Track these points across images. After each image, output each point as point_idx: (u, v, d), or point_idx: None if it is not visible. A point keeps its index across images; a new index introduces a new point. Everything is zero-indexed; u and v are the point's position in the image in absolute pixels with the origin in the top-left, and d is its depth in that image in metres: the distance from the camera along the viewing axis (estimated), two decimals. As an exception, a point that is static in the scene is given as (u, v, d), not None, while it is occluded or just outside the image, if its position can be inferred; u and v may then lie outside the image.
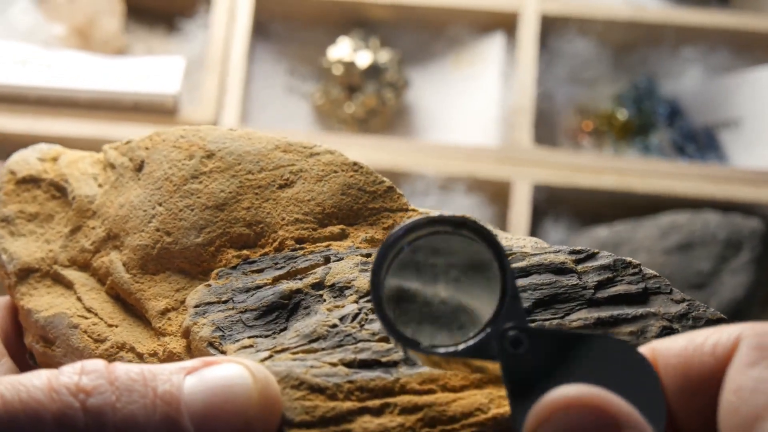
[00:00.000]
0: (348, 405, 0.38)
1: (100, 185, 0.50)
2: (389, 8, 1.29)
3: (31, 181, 0.51)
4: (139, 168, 0.49)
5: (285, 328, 0.43)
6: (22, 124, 1.12)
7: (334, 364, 0.40)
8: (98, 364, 0.37)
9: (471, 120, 1.24)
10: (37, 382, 0.35)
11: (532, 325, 0.39)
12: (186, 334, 0.44)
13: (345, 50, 1.25)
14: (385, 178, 0.48)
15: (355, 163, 0.48)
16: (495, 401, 0.39)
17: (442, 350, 0.36)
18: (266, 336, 0.43)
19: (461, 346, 0.36)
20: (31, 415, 0.34)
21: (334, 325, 0.42)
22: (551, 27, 1.27)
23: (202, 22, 1.26)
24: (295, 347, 0.41)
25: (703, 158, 1.23)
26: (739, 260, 1.05)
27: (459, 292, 0.40)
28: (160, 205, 0.47)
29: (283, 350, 0.41)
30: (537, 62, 1.23)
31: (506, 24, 1.28)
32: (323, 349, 0.41)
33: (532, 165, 1.14)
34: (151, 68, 1.17)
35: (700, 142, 1.25)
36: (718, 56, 1.28)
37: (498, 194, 1.13)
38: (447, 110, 1.26)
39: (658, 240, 1.07)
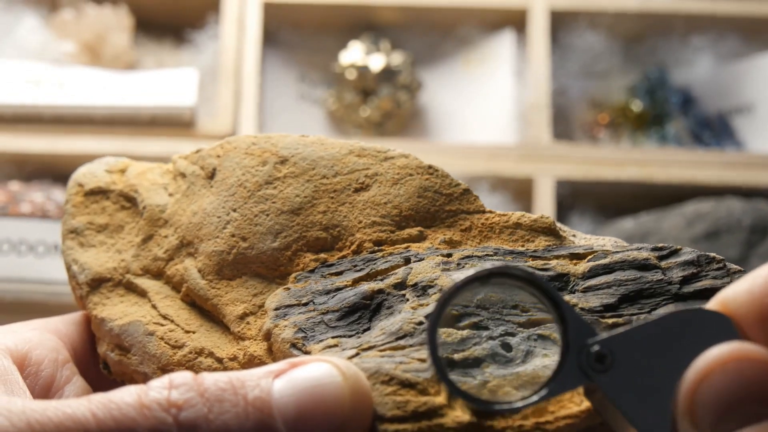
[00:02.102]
0: (440, 400, 0.38)
1: (170, 194, 0.51)
2: (397, 10, 1.29)
3: (99, 193, 0.52)
4: (211, 175, 0.50)
5: (368, 328, 0.43)
6: (41, 143, 1.11)
7: (423, 360, 0.39)
8: (186, 376, 0.36)
9: (487, 119, 1.24)
10: (128, 398, 0.35)
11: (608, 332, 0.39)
12: (267, 336, 0.44)
13: (357, 54, 1.24)
14: (460, 181, 0.48)
15: (430, 166, 0.48)
16: None
17: (533, 398, 0.36)
18: (350, 336, 0.42)
19: (546, 390, 0.36)
20: None
21: (420, 323, 0.41)
22: (561, 22, 1.27)
23: (212, 33, 1.25)
24: (382, 344, 0.41)
25: (720, 145, 1.23)
26: (766, 245, 1.05)
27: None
28: (234, 211, 0.47)
29: (369, 348, 0.41)
30: (549, 58, 1.22)
31: (515, 21, 1.28)
32: (411, 346, 0.40)
33: (553, 161, 1.14)
34: (166, 81, 1.17)
35: (715, 129, 1.25)
36: (727, 43, 1.28)
37: (521, 192, 1.14)
38: (462, 110, 1.26)
39: (684, 229, 1.07)
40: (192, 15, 1.27)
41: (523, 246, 0.45)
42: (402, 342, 0.41)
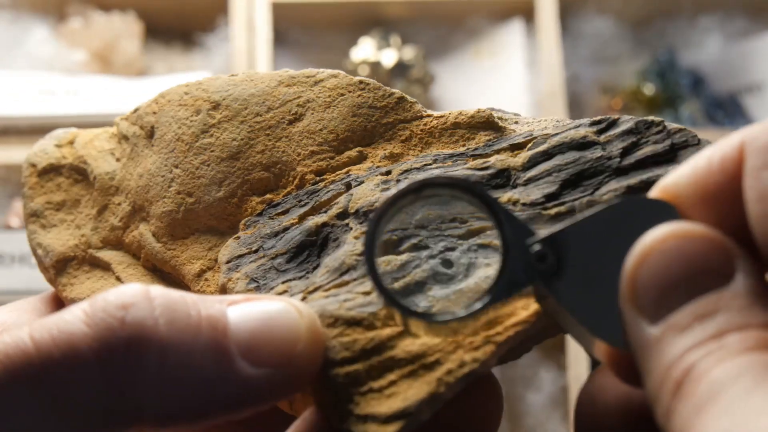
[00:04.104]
0: (387, 332, 0.36)
1: (117, 159, 0.49)
2: (405, 5, 1.28)
3: (52, 171, 0.50)
4: (151, 134, 0.48)
5: (318, 266, 0.41)
6: (60, 154, 1.10)
7: (367, 293, 0.37)
8: (135, 285, 0.33)
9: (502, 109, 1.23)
10: (68, 315, 0.32)
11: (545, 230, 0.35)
12: (223, 291, 0.42)
13: (368, 50, 1.24)
14: (394, 90, 0.45)
15: (361, 81, 0.45)
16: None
17: (477, 306, 0.33)
18: (300, 278, 0.40)
19: (489, 296, 0.33)
20: (66, 348, 0.31)
21: (363, 253, 0.38)
22: (569, 9, 1.27)
23: (223, 36, 1.24)
24: (327, 284, 0.39)
25: (733, 125, 1.23)
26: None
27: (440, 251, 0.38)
28: (176, 167, 0.46)
29: (315, 290, 0.39)
30: (561, 45, 1.22)
31: (523, 10, 1.27)
32: (354, 280, 0.38)
33: (572, 147, 1.14)
34: (180, 86, 1.16)
35: (727, 108, 1.25)
36: (734, 23, 1.28)
37: (542, 180, 1.13)
38: (476, 101, 1.25)
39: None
40: (201, 18, 1.26)
41: (463, 146, 0.43)
42: (346, 277, 0.39)
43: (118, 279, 0.46)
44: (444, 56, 1.29)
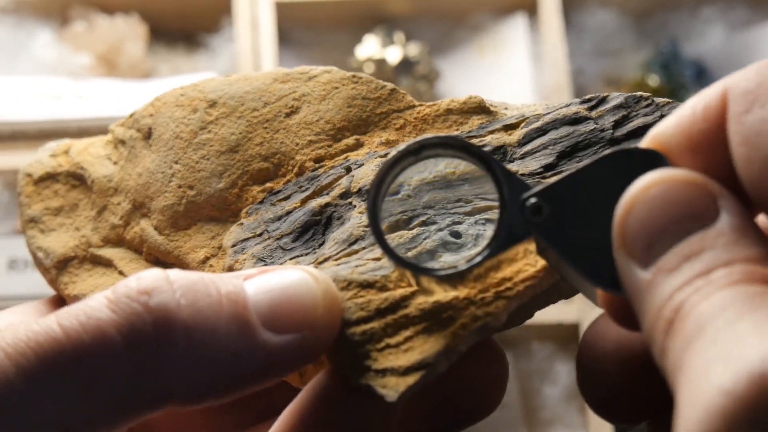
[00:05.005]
0: (400, 291, 0.37)
1: (115, 163, 0.50)
2: (408, 1, 1.28)
3: (48, 178, 0.51)
4: (148, 135, 0.49)
5: (324, 242, 0.42)
6: (68, 157, 1.09)
7: (377, 259, 0.39)
8: (154, 270, 0.34)
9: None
10: (93, 302, 0.33)
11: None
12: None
13: (373, 48, 1.24)
14: (386, 83, 0.47)
15: (354, 75, 0.47)
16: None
17: (477, 259, 0.35)
18: (307, 254, 0.42)
19: (488, 249, 0.35)
20: (95, 334, 0.32)
21: (366, 212, 0.39)
22: (572, 2, 1.27)
23: (227, 36, 1.24)
24: (337, 254, 0.40)
25: (738, 115, 1.23)
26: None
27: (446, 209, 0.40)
28: (176, 163, 0.47)
29: (325, 260, 0.40)
30: (564, 38, 1.22)
31: (526, 5, 1.27)
32: (364, 248, 0.40)
33: (581, 140, 1.14)
34: (186, 87, 1.15)
35: (731, 99, 1.26)
36: (736, 13, 1.28)
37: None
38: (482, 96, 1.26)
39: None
40: (205, 19, 1.26)
41: (457, 130, 0.45)
42: (355, 247, 0.40)
43: (121, 273, 0.47)
44: (448, 52, 1.29)
